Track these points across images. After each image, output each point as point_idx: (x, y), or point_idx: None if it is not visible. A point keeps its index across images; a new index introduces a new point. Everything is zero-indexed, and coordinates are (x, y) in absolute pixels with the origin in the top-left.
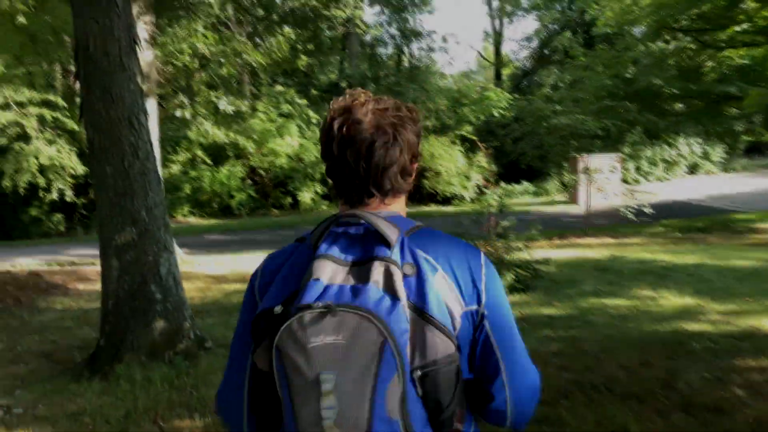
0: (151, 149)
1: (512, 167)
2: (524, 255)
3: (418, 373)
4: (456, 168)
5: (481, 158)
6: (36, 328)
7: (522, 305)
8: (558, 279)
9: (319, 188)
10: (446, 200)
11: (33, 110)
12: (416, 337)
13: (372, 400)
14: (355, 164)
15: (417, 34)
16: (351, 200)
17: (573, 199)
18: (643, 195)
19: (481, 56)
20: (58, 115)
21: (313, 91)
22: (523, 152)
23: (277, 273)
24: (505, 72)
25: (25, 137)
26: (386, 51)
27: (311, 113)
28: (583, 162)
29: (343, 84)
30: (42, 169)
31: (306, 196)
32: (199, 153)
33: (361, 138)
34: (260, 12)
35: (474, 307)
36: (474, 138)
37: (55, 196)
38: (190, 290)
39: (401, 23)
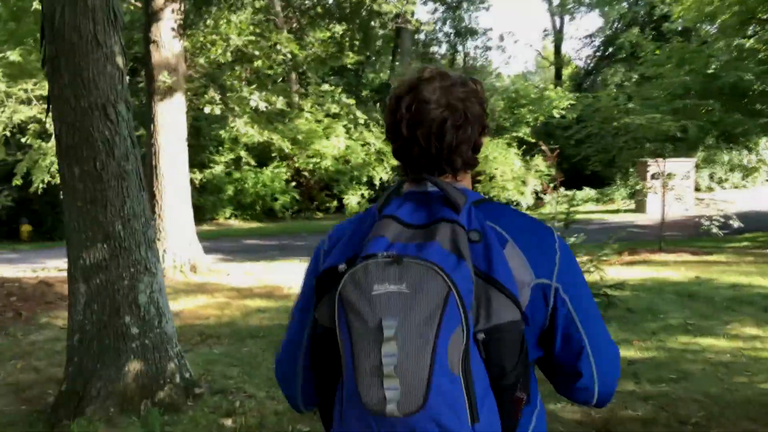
0: (133, 147)
1: (573, 172)
2: (593, 276)
3: (482, 335)
4: (512, 172)
5: (540, 162)
6: (23, 351)
7: None
8: (635, 307)
9: (366, 192)
10: None
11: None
12: (481, 300)
13: (434, 350)
14: (427, 144)
15: (472, 32)
16: (420, 170)
17: (640, 208)
18: (721, 204)
19: (540, 55)
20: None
21: (363, 91)
22: (586, 156)
23: (339, 239)
24: (566, 72)
25: (45, 134)
26: (440, 50)
27: (359, 113)
28: (656, 166)
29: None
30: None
31: (352, 199)
32: (243, 153)
33: (431, 117)
34: (305, 2)
35: (546, 281)
36: (532, 140)
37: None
38: (208, 308)
39: (456, 21)
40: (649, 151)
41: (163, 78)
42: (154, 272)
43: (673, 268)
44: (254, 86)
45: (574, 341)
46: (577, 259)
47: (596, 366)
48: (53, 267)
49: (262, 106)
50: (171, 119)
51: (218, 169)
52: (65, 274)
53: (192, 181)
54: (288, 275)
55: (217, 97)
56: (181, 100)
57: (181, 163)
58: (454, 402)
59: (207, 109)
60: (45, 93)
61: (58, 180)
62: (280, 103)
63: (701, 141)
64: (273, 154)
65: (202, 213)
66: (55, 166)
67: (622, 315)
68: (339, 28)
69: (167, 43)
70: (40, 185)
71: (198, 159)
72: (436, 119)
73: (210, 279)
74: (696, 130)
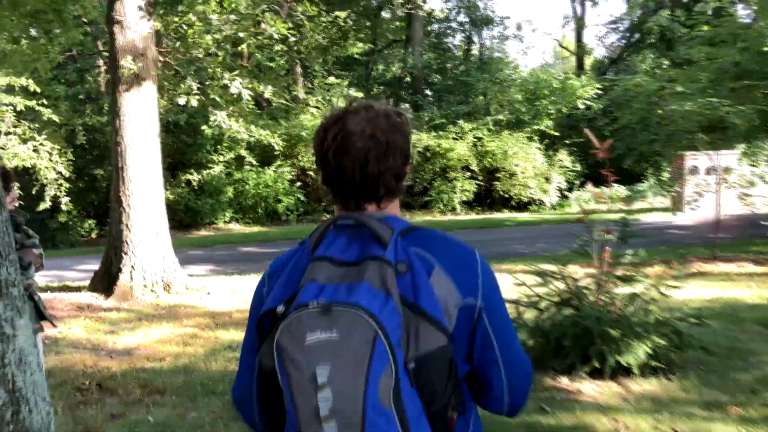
0: None
1: (599, 167)
2: (651, 305)
3: (412, 365)
4: (534, 168)
5: (564, 156)
6: None
7: (673, 412)
8: (713, 346)
9: None
10: (522, 206)
11: None
12: (409, 330)
13: (365, 392)
14: (352, 173)
15: (488, 21)
16: (348, 206)
17: (676, 206)
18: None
19: (559, 45)
20: (33, 103)
21: (373, 86)
22: (615, 149)
23: (278, 274)
24: (587, 62)
25: None
26: (453, 40)
27: None
28: (705, 160)
29: (407, 78)
30: (28, 172)
31: None
32: (244, 152)
33: (356, 147)
34: None
35: (470, 300)
36: (555, 133)
37: (47, 204)
38: (168, 343)
39: (471, 10)
40: (704, 143)
41: (127, 63)
42: (9, 335)
43: (740, 284)
44: (236, 72)
45: (489, 356)
46: (639, 282)
47: (507, 379)
48: None
49: (245, 94)
50: (139, 112)
51: (217, 169)
52: None
53: (189, 183)
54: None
55: (195, 87)
56: (152, 90)
57: (153, 163)
58: None
59: (182, 101)
60: None
61: None
62: (268, 92)
63: (760, 129)
64: (276, 153)
65: (200, 217)
66: None
67: (699, 360)
68: (342, 14)
69: (133, 23)
70: None
71: (195, 158)
72: (360, 149)
73: (185, 300)
74: (750, 116)
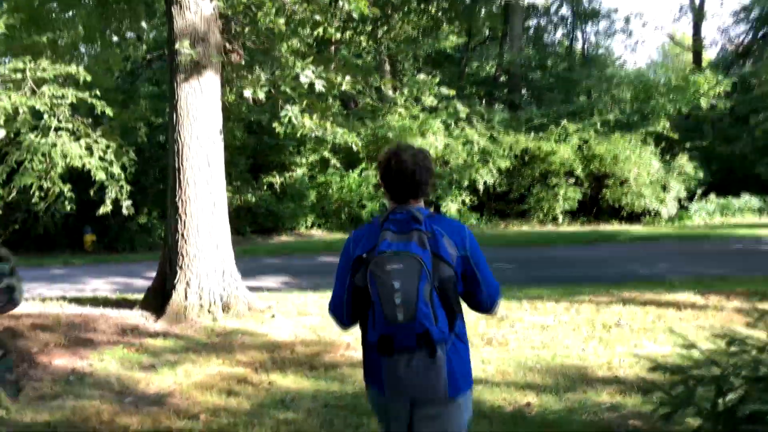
0: None
1: (725, 174)
2: None
3: (436, 283)
4: (649, 175)
5: (685, 162)
6: None
7: None
8: None
9: (468, 198)
10: (633, 217)
11: (48, 90)
12: (435, 267)
13: (417, 293)
14: (404, 182)
15: (594, 15)
16: (399, 200)
17: None
18: None
19: (672, 39)
20: (86, 95)
21: (466, 85)
22: (745, 155)
23: (360, 239)
24: (706, 59)
25: (40, 128)
26: (553, 36)
27: (460, 107)
28: None
29: (502, 77)
30: (73, 175)
31: (451, 207)
32: (327, 154)
33: (407, 168)
34: None
35: (462, 252)
36: (673, 136)
37: (109, 208)
38: (209, 388)
39: (574, 3)
40: None
41: (185, 49)
42: None
43: None
44: (309, 60)
45: (475, 281)
46: None
47: (486, 293)
48: (76, 290)
49: (319, 85)
50: (199, 105)
51: (300, 172)
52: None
53: (271, 186)
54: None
55: (263, 77)
56: (214, 81)
57: (215, 164)
58: (427, 315)
59: (248, 93)
60: (48, 76)
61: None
62: (346, 83)
63: None
64: (360, 156)
65: (281, 222)
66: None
67: None
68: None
69: (193, 3)
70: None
71: (278, 160)
72: (408, 169)
73: (245, 324)
74: None
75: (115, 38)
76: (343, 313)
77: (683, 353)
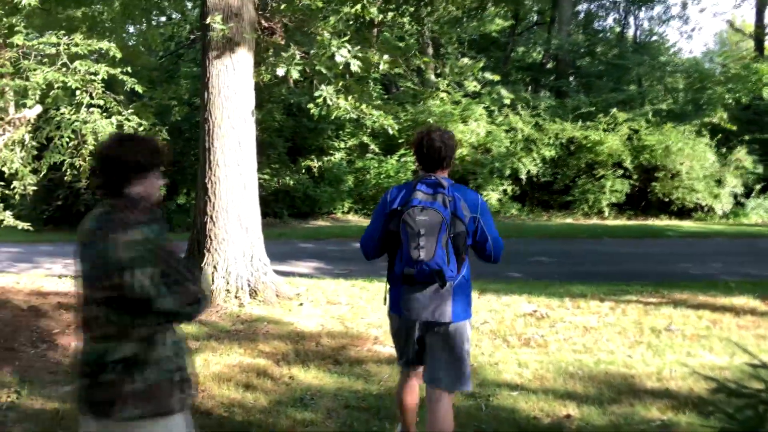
0: None
1: None
2: None
3: (452, 235)
4: (702, 169)
5: (742, 156)
6: None
7: None
8: None
9: (509, 187)
10: (684, 212)
11: (80, 65)
12: (452, 222)
13: (437, 239)
14: (432, 157)
15: (648, 0)
16: (429, 170)
17: None
18: None
19: (731, 26)
20: (117, 72)
21: (511, 69)
22: None
23: (397, 195)
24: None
25: (72, 104)
26: (605, 23)
27: (504, 92)
28: None
29: (549, 65)
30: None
31: (492, 196)
32: (366, 139)
33: (436, 145)
34: None
35: (474, 214)
36: (731, 127)
37: None
38: (226, 381)
39: None
40: None
41: (217, 23)
42: None
43: None
44: (345, 39)
45: (484, 236)
46: None
47: (493, 246)
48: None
49: (354, 65)
50: (231, 84)
51: (338, 156)
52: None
53: (309, 169)
54: (384, 311)
55: (298, 55)
56: (247, 59)
57: (246, 145)
58: (442, 257)
59: (281, 71)
60: (81, 51)
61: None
62: (384, 63)
63: None
64: (400, 141)
65: (318, 206)
66: None
67: None
68: None
69: None
70: None
71: (316, 144)
72: (436, 146)
73: (272, 311)
74: None
75: (162, 18)
76: (371, 247)
77: (746, 369)
